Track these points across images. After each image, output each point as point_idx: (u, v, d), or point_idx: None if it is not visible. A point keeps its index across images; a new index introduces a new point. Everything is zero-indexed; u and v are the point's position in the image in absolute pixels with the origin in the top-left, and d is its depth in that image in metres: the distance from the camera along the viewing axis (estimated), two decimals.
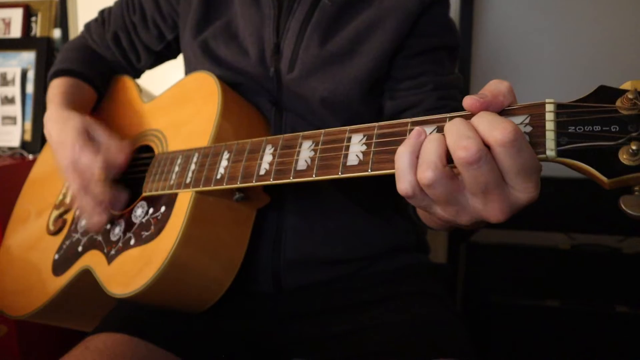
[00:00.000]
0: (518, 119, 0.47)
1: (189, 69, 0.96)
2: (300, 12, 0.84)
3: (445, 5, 0.87)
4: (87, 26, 1.08)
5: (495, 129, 0.44)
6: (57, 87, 0.97)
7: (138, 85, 1.04)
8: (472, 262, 1.47)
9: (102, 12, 1.08)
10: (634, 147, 0.41)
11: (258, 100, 0.87)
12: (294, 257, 0.85)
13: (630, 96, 0.43)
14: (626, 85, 0.44)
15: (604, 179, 0.43)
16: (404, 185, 0.49)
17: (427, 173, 0.46)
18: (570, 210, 1.50)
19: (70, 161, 0.83)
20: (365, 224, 0.88)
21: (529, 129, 0.46)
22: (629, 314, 1.34)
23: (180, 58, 1.02)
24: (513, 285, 1.43)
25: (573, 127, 0.45)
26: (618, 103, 0.44)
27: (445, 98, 0.82)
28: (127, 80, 1.06)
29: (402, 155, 0.49)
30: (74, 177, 0.83)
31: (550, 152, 0.45)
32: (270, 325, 0.86)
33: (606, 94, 0.45)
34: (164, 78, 0.97)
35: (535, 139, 0.46)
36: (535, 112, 0.47)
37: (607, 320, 1.35)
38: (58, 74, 1.00)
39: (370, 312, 0.83)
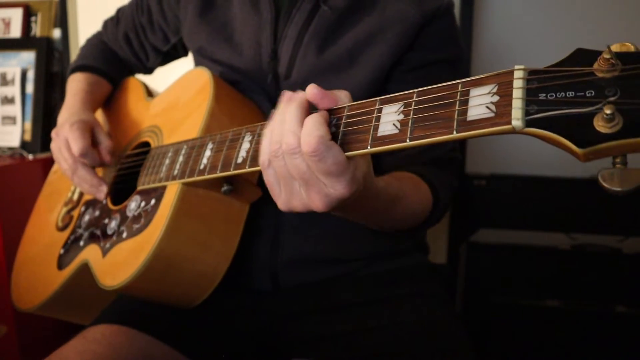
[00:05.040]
0: (485, 89, 0.44)
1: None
2: (299, 19, 0.83)
3: (448, 17, 0.85)
4: (105, 24, 1.14)
5: (303, 139, 0.50)
6: (77, 81, 1.04)
7: (146, 85, 1.07)
8: (472, 262, 1.47)
9: (118, 11, 1.12)
10: (608, 112, 0.37)
11: (257, 98, 0.87)
12: (292, 256, 0.85)
13: (606, 56, 0.39)
14: (615, 47, 0.40)
15: (577, 149, 0.38)
16: (263, 157, 0.56)
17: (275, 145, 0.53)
18: (570, 210, 1.50)
19: (61, 143, 0.91)
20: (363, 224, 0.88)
21: (496, 98, 0.43)
22: (629, 314, 1.34)
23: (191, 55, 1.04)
24: (513, 285, 1.43)
25: (544, 94, 0.40)
26: (595, 66, 0.39)
27: None
28: (133, 81, 1.09)
29: (264, 136, 0.56)
30: (62, 159, 0.92)
31: (517, 122, 0.40)
32: (268, 323, 0.86)
33: (583, 57, 0.41)
34: (175, 76, 0.99)
35: (502, 109, 0.42)
36: (504, 80, 0.43)
37: (607, 320, 1.35)
38: (79, 69, 1.07)
39: (369, 312, 0.83)
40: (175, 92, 0.94)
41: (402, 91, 0.82)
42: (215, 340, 0.84)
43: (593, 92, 0.39)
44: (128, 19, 1.07)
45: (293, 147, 0.51)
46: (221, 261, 0.79)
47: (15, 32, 1.78)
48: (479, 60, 1.60)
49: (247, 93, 0.87)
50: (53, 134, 0.94)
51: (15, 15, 1.79)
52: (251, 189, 0.80)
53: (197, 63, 0.97)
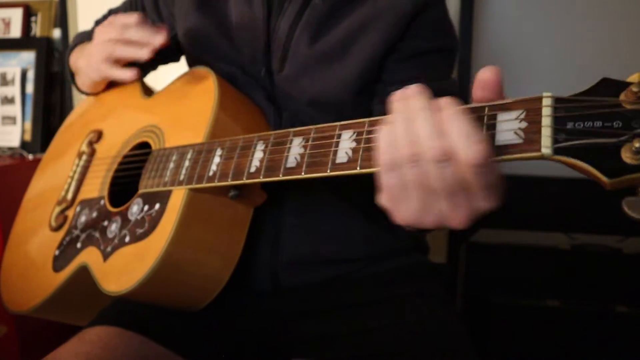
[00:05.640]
0: (513, 114, 0.45)
1: (189, 64, 0.98)
2: (291, 11, 0.83)
3: (440, 7, 0.85)
4: (96, 24, 1.11)
5: (465, 146, 0.42)
6: (84, 46, 1.00)
7: (143, 82, 1.04)
8: (472, 262, 1.47)
9: (109, 11, 1.11)
10: (637, 145, 0.38)
11: (255, 96, 0.87)
12: (293, 256, 0.85)
13: (634, 89, 0.40)
14: (633, 78, 0.41)
15: (605, 179, 0.40)
16: (387, 155, 0.47)
17: (412, 147, 0.45)
18: (570, 210, 1.50)
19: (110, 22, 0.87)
20: (363, 224, 0.88)
21: (524, 124, 0.44)
22: (629, 314, 1.34)
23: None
24: (513, 285, 1.43)
25: (572, 123, 0.42)
26: (622, 97, 0.41)
27: None
28: None
29: (384, 133, 0.48)
30: (109, 30, 0.87)
31: (546, 149, 0.42)
32: (268, 324, 0.86)
33: (609, 87, 0.42)
34: (168, 74, 0.98)
35: (531, 136, 0.43)
36: (532, 107, 0.44)
37: (607, 320, 1.35)
38: (82, 42, 1.04)
39: (369, 312, 0.83)
40: (176, 91, 0.92)
41: (398, 81, 0.82)
42: (214, 341, 0.84)
43: (620, 124, 0.40)
44: None
45: (443, 153, 0.43)
46: (227, 264, 0.78)
47: (15, 32, 1.79)
48: (479, 61, 1.61)
49: (245, 90, 0.87)
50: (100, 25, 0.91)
51: (15, 15, 1.79)
52: (257, 193, 0.78)
53: (191, 57, 0.95)
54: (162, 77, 1.09)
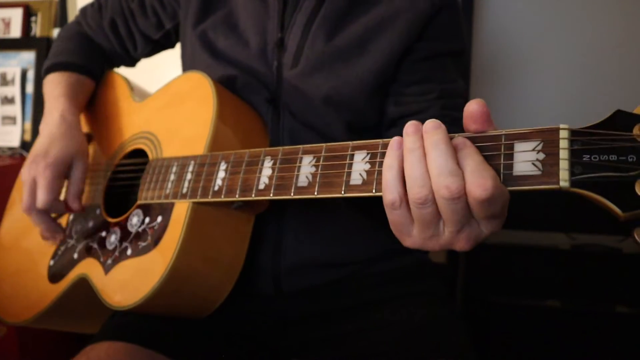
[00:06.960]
0: (530, 145, 0.46)
1: (186, 64, 0.95)
2: (308, 6, 0.82)
3: (456, 10, 0.85)
4: (83, 10, 1.05)
5: (473, 183, 0.45)
6: (56, 85, 0.94)
7: (129, 83, 1.00)
8: (472, 262, 1.47)
9: (81, 11, 1.06)
10: None
11: (255, 99, 0.85)
12: (295, 260, 0.84)
13: None
14: None
15: (619, 212, 0.41)
16: (391, 195, 0.49)
17: (422, 190, 0.47)
18: (570, 210, 1.50)
19: (30, 181, 0.83)
20: (364, 227, 0.87)
21: (542, 156, 0.45)
22: (629, 314, 1.34)
23: (177, 54, 0.99)
24: (513, 285, 1.43)
25: (588, 156, 0.43)
26: (636, 131, 0.42)
27: (449, 108, 0.80)
28: (118, 77, 1.02)
29: (390, 168, 0.50)
30: (24, 194, 0.85)
31: (564, 182, 0.43)
32: (271, 328, 0.86)
33: (623, 119, 0.43)
34: (160, 75, 0.95)
35: (548, 168, 0.44)
36: (549, 138, 0.45)
37: (607, 321, 1.35)
38: (56, 67, 0.97)
39: (370, 313, 0.83)
40: (171, 97, 0.88)
41: (414, 82, 0.82)
42: (217, 346, 0.83)
43: (634, 158, 0.41)
44: (115, 4, 1.00)
45: (458, 193, 0.45)
46: (230, 274, 0.77)
47: (15, 32, 1.78)
48: (479, 61, 1.60)
49: (245, 92, 0.85)
50: (30, 158, 0.85)
51: (15, 15, 1.79)
52: (262, 203, 0.77)
53: (192, 51, 0.91)
54: (159, 77, 1.04)
